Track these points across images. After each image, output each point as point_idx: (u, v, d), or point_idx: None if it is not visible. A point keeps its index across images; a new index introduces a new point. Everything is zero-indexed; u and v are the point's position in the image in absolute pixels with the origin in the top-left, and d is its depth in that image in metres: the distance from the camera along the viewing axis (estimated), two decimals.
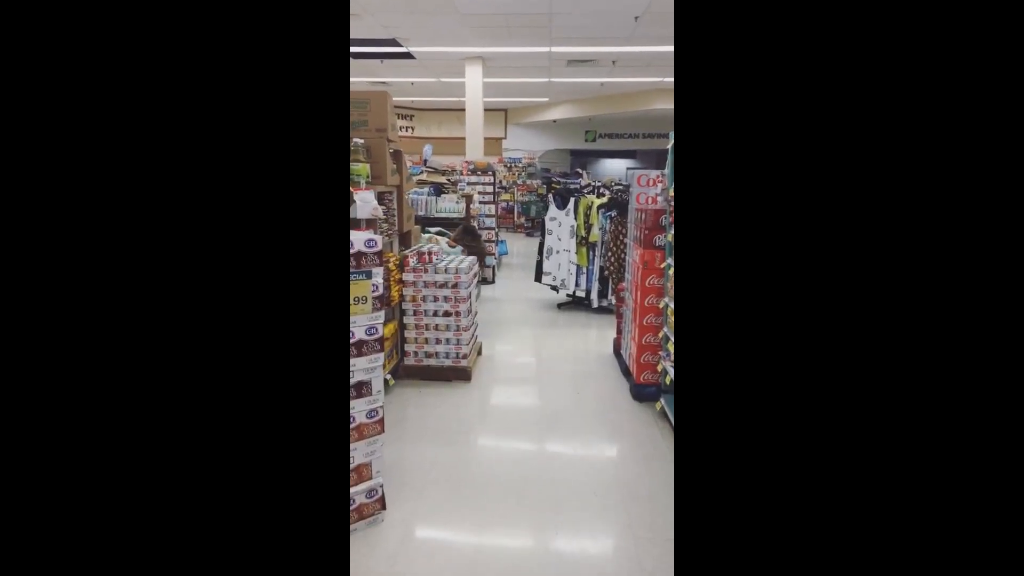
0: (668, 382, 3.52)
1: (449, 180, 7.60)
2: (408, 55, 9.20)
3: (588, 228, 5.95)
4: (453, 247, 4.91)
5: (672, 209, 3.36)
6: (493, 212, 9.12)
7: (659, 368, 3.61)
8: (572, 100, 13.94)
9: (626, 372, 4.09)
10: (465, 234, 5.32)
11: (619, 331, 4.48)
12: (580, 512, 2.52)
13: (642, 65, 9.81)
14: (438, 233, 5.32)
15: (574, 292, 6.26)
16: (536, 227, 11.13)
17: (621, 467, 2.93)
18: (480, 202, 9.05)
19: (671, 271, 3.36)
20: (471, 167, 9.39)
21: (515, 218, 14.39)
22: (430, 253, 4.00)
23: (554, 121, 15.15)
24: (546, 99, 14.00)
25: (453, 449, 3.09)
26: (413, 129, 15.71)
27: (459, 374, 4.05)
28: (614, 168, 18.09)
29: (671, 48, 8.55)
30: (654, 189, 3.85)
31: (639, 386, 3.75)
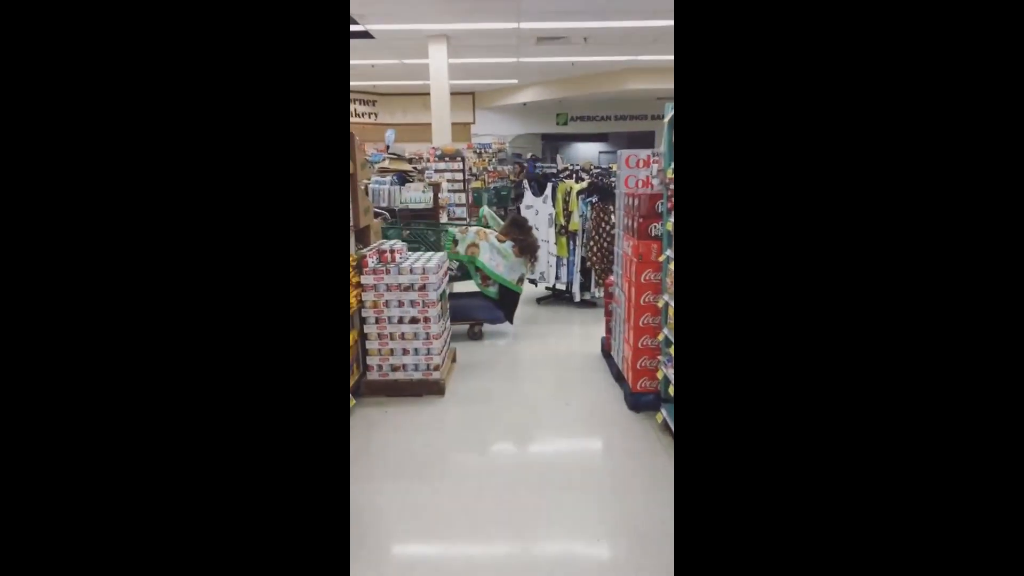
0: (670, 391, 3.10)
1: (415, 168, 7.04)
2: (367, 34, 8.56)
3: (567, 216, 5.49)
4: (503, 241, 4.52)
5: (671, 193, 2.91)
6: (464, 201, 8.61)
7: (659, 375, 3.18)
8: (542, 82, 13.41)
9: (619, 377, 3.66)
10: (513, 227, 4.75)
11: (608, 330, 4.05)
12: (587, 564, 2.09)
13: (615, 42, 9.33)
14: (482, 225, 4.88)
15: (554, 285, 5.82)
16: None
17: (626, 496, 2.50)
18: (449, 191, 8.53)
19: (671, 265, 2.92)
20: (438, 153, 8.83)
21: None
22: (392, 251, 3.49)
23: (524, 104, 14.60)
24: (515, 81, 13.44)
25: (427, 484, 2.62)
26: (376, 116, 14.96)
27: (431, 388, 3.56)
28: (587, 152, 17.67)
29: (646, 23, 8.10)
30: (646, 171, 3.40)
31: (636, 394, 3.32)
